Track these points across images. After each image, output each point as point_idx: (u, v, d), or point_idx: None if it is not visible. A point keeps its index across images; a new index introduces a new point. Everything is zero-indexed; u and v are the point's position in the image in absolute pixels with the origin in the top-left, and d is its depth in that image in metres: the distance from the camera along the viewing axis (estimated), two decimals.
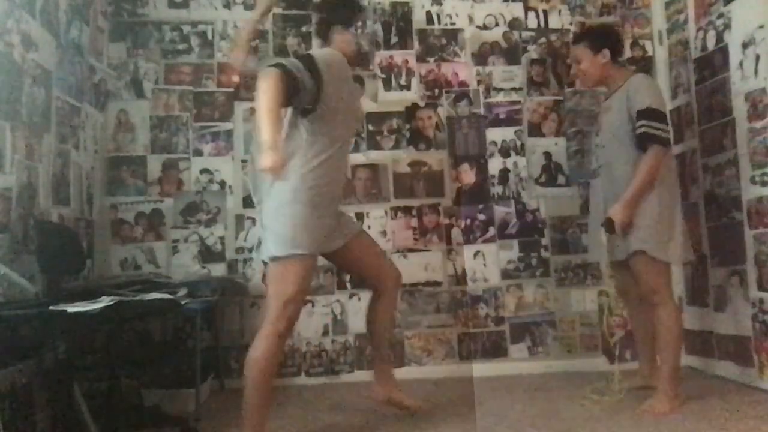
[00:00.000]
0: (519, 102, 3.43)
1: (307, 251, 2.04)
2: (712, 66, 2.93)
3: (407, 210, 3.34)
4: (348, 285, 3.27)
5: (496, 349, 3.27)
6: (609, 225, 2.42)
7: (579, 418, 2.32)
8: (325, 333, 3.24)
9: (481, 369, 3.21)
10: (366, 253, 2.37)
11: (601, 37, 2.62)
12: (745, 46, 2.68)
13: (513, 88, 3.45)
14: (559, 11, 3.51)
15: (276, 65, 1.94)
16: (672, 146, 2.60)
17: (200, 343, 2.76)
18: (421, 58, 3.45)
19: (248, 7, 3.40)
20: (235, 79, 3.34)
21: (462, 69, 3.46)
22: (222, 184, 3.29)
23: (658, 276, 2.44)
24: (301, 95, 1.98)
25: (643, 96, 2.43)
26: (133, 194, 3.23)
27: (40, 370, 2.19)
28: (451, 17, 3.49)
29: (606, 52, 2.56)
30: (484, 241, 3.34)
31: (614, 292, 2.88)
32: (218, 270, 3.20)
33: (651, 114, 2.39)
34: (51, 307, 1.72)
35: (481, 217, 3.35)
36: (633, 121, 2.44)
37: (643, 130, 2.39)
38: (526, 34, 3.49)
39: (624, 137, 2.48)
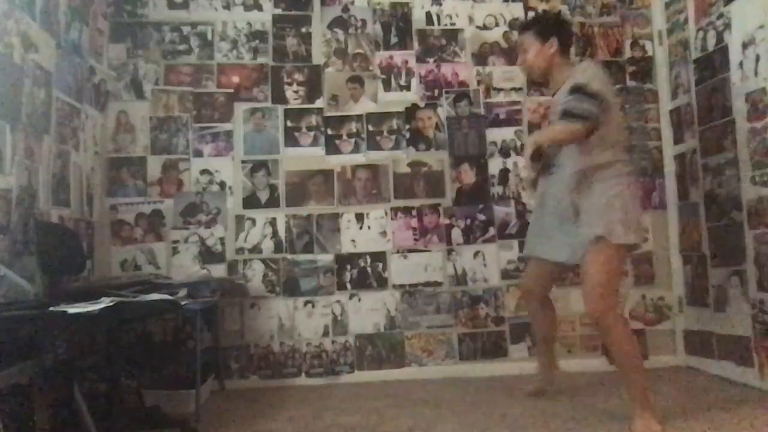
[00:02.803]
0: (519, 102, 3.44)
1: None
2: (712, 66, 2.93)
3: (407, 210, 3.34)
4: (348, 285, 3.27)
5: (496, 349, 3.27)
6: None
7: (579, 418, 2.32)
8: (326, 333, 3.24)
9: (481, 369, 3.21)
10: None
11: (550, 26, 2.45)
12: (745, 46, 2.68)
13: (513, 88, 3.45)
14: (559, 11, 3.50)
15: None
16: (597, 123, 2.19)
17: (200, 343, 2.76)
18: (420, 59, 3.45)
19: (248, 7, 3.41)
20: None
21: (462, 69, 3.46)
22: (222, 184, 3.29)
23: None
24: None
25: (580, 76, 2.24)
26: (133, 195, 3.23)
27: (40, 371, 2.19)
28: (451, 17, 3.49)
29: (554, 41, 2.39)
30: (484, 241, 3.34)
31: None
32: (218, 271, 3.20)
33: (578, 90, 2.18)
34: (51, 308, 1.73)
35: (481, 217, 3.35)
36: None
37: (563, 106, 2.18)
38: None
39: None
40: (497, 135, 3.41)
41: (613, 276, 2.22)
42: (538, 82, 2.83)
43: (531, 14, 3.49)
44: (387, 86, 3.43)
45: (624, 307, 3.26)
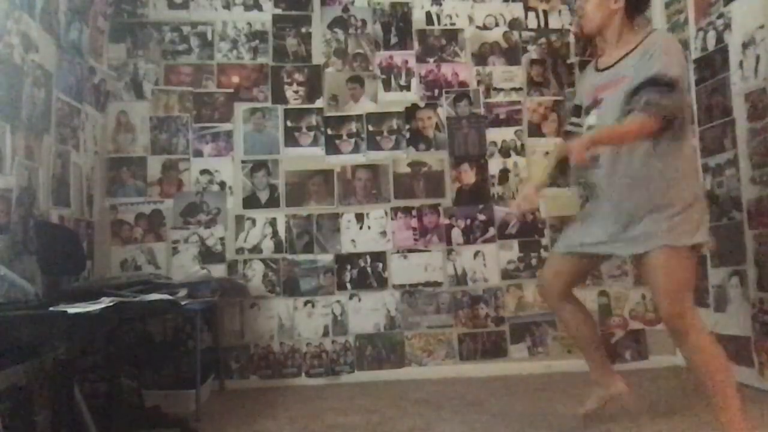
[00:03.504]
0: (519, 102, 3.44)
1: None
2: (712, 66, 2.93)
3: (407, 210, 3.34)
4: (348, 285, 3.27)
5: (496, 349, 3.27)
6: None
7: (579, 418, 2.32)
8: (326, 334, 3.24)
9: (481, 369, 3.21)
10: None
11: None
12: (745, 46, 2.68)
13: (513, 88, 3.45)
14: (559, 11, 3.52)
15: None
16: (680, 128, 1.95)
17: (200, 343, 2.77)
18: (420, 59, 3.45)
19: (248, 7, 3.41)
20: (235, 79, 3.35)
21: (462, 69, 3.46)
22: (222, 184, 3.29)
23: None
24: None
25: (659, 56, 1.88)
26: (133, 195, 3.23)
27: (40, 371, 2.20)
28: (451, 17, 3.49)
29: (620, 0, 2.02)
30: (484, 241, 3.34)
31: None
32: (218, 271, 3.20)
33: (657, 81, 1.84)
34: (51, 308, 1.72)
35: (481, 217, 3.35)
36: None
37: (644, 99, 1.85)
38: (526, 34, 3.49)
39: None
40: (497, 135, 3.41)
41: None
42: (587, 39, 2.48)
43: (531, 14, 3.50)
44: (387, 86, 3.43)
45: (624, 307, 3.27)
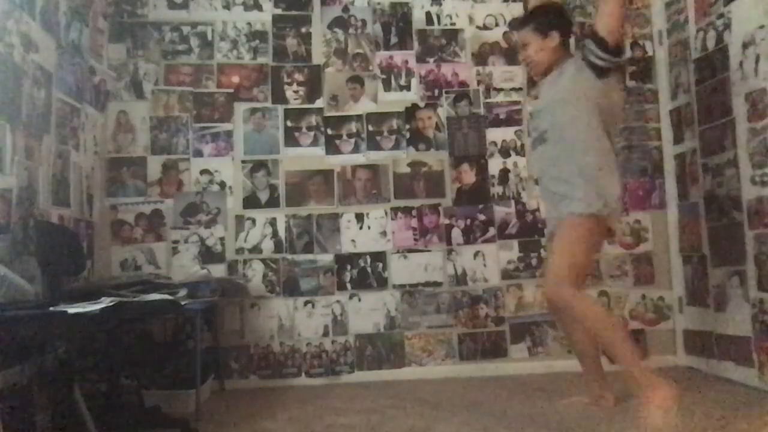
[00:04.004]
0: (519, 102, 3.44)
1: None
2: (712, 66, 2.93)
3: (407, 210, 3.34)
4: (348, 285, 3.27)
5: (496, 349, 3.27)
6: None
7: (579, 418, 2.32)
8: (326, 334, 3.24)
9: (481, 369, 3.21)
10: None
11: (550, 19, 2.36)
12: (745, 46, 2.68)
13: (513, 88, 3.45)
14: (558, 3, 3.50)
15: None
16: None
17: (200, 343, 2.77)
18: (420, 59, 3.45)
19: (248, 7, 3.41)
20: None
21: (462, 69, 3.46)
22: (222, 184, 3.29)
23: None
24: None
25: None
26: (133, 195, 3.23)
27: (40, 371, 2.20)
28: (451, 17, 3.49)
29: (555, 34, 2.32)
30: (484, 241, 3.34)
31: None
32: (218, 271, 3.20)
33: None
34: (51, 308, 1.73)
35: (481, 217, 3.35)
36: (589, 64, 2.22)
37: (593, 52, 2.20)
38: None
39: (579, 99, 2.25)
40: (497, 135, 3.41)
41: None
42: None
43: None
44: (387, 86, 3.43)
45: (624, 307, 3.27)
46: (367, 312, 3.26)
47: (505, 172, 3.39)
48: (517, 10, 3.50)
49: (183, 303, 2.41)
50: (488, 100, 3.43)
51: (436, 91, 3.43)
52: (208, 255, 3.23)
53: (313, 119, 3.37)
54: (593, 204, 2.21)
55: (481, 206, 3.36)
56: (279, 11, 3.43)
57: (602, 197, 2.22)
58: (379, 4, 3.48)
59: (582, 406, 2.43)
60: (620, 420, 2.27)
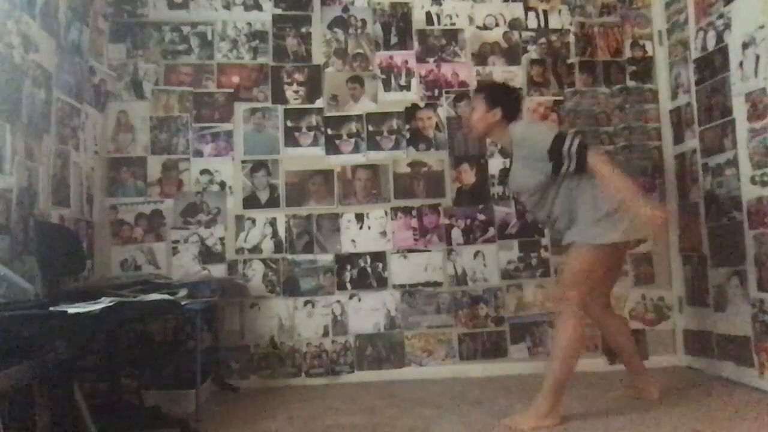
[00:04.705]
0: None
1: None
2: (712, 66, 2.93)
3: (407, 210, 3.34)
4: (348, 285, 3.27)
5: (496, 349, 3.27)
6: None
7: (579, 418, 2.32)
8: (325, 334, 3.24)
9: (481, 369, 3.21)
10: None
11: (500, 96, 2.51)
12: (745, 46, 2.68)
13: None
14: (559, 11, 3.52)
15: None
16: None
17: (200, 343, 2.77)
18: (420, 59, 3.45)
19: (248, 7, 3.41)
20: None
21: (462, 69, 3.46)
22: (222, 184, 3.29)
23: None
24: None
25: (535, 141, 2.36)
26: (133, 195, 3.23)
27: (40, 371, 2.19)
28: (451, 17, 3.49)
29: (497, 111, 2.45)
30: (484, 241, 3.34)
31: None
32: (218, 271, 3.20)
33: (556, 146, 2.29)
34: (51, 308, 1.73)
35: (481, 217, 3.35)
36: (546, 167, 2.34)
37: (570, 164, 2.28)
38: (526, 35, 3.49)
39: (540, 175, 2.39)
40: None
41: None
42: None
43: (531, 14, 3.50)
44: (387, 86, 3.43)
45: (624, 307, 3.27)
46: (367, 312, 3.26)
47: (505, 172, 3.39)
48: (517, 10, 3.50)
49: (183, 303, 2.41)
50: None
51: (436, 91, 3.43)
52: (208, 255, 3.23)
53: (313, 119, 3.37)
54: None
55: (481, 206, 3.36)
56: (279, 11, 3.43)
57: None
58: (379, 4, 3.47)
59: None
60: (619, 419, 2.27)
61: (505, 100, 2.50)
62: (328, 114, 3.38)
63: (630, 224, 2.24)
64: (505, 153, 3.40)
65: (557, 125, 3.39)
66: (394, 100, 3.42)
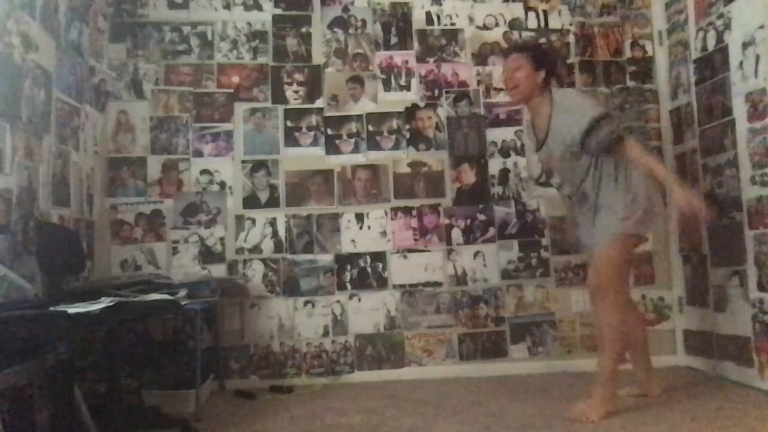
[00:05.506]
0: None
1: None
2: (712, 66, 2.93)
3: (407, 210, 3.34)
4: (348, 285, 3.27)
5: (496, 349, 3.27)
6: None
7: (578, 418, 2.32)
8: (326, 334, 3.24)
9: (481, 369, 3.21)
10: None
11: (545, 58, 2.49)
12: (745, 46, 2.68)
13: None
14: (559, 11, 3.52)
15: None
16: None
17: (200, 343, 2.77)
18: (420, 59, 3.45)
19: (248, 7, 3.41)
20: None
21: (462, 69, 3.46)
22: (222, 184, 3.29)
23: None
24: None
25: (572, 111, 2.35)
26: (133, 195, 3.23)
27: (40, 371, 2.19)
28: (451, 17, 3.49)
29: (543, 72, 2.43)
30: (484, 241, 3.34)
31: None
32: (218, 271, 3.20)
33: (591, 127, 2.29)
34: (51, 308, 1.73)
35: (481, 217, 3.35)
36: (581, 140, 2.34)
37: (599, 142, 2.30)
38: (526, 34, 3.49)
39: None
40: (497, 135, 3.41)
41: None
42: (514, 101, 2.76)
43: (531, 14, 3.50)
44: (387, 86, 3.43)
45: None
46: (367, 312, 3.26)
47: (505, 172, 3.39)
48: (517, 10, 3.50)
49: (183, 303, 2.41)
50: (488, 100, 3.43)
51: (436, 91, 3.43)
52: (208, 255, 3.23)
53: (313, 119, 3.37)
54: None
55: (481, 206, 3.36)
56: (279, 11, 3.43)
57: None
58: (379, 4, 3.47)
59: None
60: (619, 420, 2.27)
61: (550, 62, 2.49)
62: (328, 114, 3.38)
63: (644, 216, 2.34)
64: (505, 153, 3.40)
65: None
66: (394, 100, 3.42)
